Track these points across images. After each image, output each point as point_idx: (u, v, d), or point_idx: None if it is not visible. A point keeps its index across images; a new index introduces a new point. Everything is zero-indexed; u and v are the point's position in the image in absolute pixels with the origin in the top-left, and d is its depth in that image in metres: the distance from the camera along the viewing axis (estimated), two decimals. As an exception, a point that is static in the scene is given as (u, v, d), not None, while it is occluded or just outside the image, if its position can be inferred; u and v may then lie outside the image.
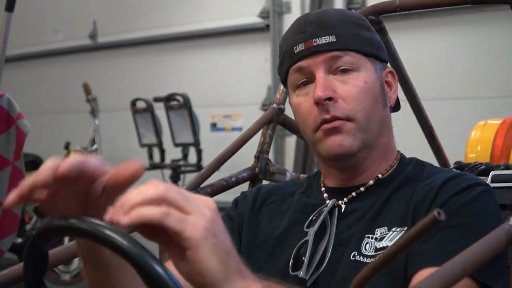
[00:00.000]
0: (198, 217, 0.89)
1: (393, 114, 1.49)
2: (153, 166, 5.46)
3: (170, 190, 0.90)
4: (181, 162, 5.32)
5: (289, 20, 5.40)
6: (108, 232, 0.86)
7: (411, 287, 1.13)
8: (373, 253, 1.30)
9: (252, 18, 5.55)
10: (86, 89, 5.67)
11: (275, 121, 1.96)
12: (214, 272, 0.88)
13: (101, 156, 5.67)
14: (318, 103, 1.36)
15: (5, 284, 1.41)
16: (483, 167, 1.81)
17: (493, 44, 4.46)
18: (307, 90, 1.40)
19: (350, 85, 1.37)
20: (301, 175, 1.96)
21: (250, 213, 1.49)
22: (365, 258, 1.31)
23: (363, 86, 1.38)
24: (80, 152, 5.58)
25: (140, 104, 5.51)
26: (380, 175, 1.43)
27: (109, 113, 6.20)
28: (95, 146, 5.60)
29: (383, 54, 1.46)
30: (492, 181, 1.59)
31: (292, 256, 1.37)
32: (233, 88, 5.73)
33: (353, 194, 1.42)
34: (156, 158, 5.55)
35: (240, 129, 5.59)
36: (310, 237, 1.36)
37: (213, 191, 1.81)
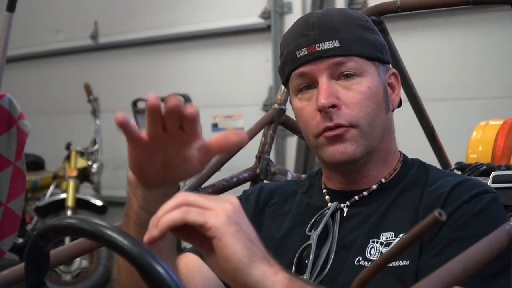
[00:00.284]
0: (219, 209, 0.93)
1: (394, 115, 1.48)
2: (154, 167, 5.46)
3: (188, 195, 0.95)
4: (182, 163, 5.32)
5: (290, 21, 5.39)
6: (109, 232, 0.86)
7: None
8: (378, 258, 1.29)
9: (253, 18, 5.55)
10: (87, 90, 5.68)
11: (276, 121, 1.96)
12: (239, 256, 0.92)
13: (102, 156, 5.68)
14: (321, 110, 1.35)
15: (6, 285, 1.41)
16: (484, 167, 1.81)
17: (494, 45, 4.46)
18: (309, 95, 1.39)
19: (354, 91, 1.36)
20: (302, 176, 1.96)
21: (253, 214, 1.47)
22: (370, 263, 1.29)
23: (367, 92, 1.36)
24: (81, 153, 5.58)
25: (141, 105, 5.52)
26: (383, 180, 1.41)
27: (110, 113, 6.20)
28: (96, 147, 5.60)
29: (386, 56, 1.43)
30: (493, 182, 1.59)
31: (294, 259, 1.37)
32: (234, 89, 5.73)
33: (356, 198, 1.41)
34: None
35: (241, 129, 5.58)
36: (313, 241, 1.36)
37: (214, 191, 1.81)
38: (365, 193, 1.41)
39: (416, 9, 1.99)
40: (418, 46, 4.61)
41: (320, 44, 1.36)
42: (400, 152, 1.48)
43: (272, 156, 1.97)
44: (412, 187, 1.38)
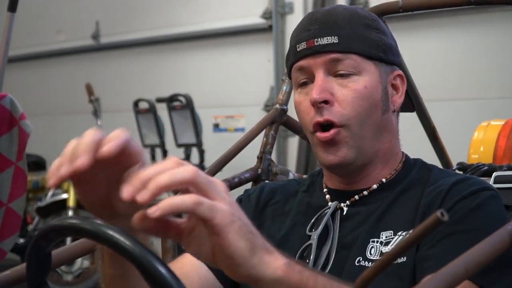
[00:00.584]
0: (223, 202, 0.91)
1: (396, 115, 1.48)
2: (156, 167, 5.46)
3: (198, 174, 0.90)
4: (184, 163, 5.32)
5: (291, 21, 5.40)
6: (111, 232, 0.86)
7: None
8: (378, 258, 1.29)
9: (255, 18, 5.55)
10: (89, 90, 5.68)
11: (278, 121, 1.96)
12: (242, 252, 0.91)
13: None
14: (314, 105, 1.36)
15: (8, 285, 1.41)
16: (486, 168, 1.81)
17: (496, 45, 4.46)
18: (307, 90, 1.39)
19: (348, 89, 1.35)
20: (304, 176, 1.95)
21: (254, 213, 1.47)
22: (370, 263, 1.29)
23: (362, 91, 1.36)
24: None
25: (143, 105, 5.52)
26: (384, 179, 1.41)
27: (112, 113, 6.20)
28: (97, 147, 5.60)
29: (391, 56, 1.42)
30: (495, 182, 1.58)
31: (295, 259, 1.37)
32: (236, 89, 5.73)
33: (356, 197, 1.40)
34: (159, 158, 5.55)
35: (242, 129, 5.58)
36: (314, 241, 1.35)
37: (216, 191, 1.80)
38: (365, 192, 1.40)
39: (418, 9, 1.98)
40: (420, 47, 4.61)
41: (319, 39, 1.37)
42: (403, 153, 1.47)
43: (273, 157, 1.97)
44: (413, 186, 1.38)
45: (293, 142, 5.32)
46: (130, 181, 0.88)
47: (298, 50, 1.39)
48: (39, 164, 6.11)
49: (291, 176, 1.94)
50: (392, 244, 1.30)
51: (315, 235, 1.36)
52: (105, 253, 1.08)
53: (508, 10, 4.25)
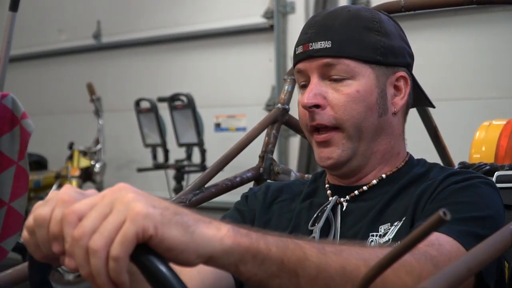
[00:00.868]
0: (127, 208, 0.82)
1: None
2: (157, 166, 5.47)
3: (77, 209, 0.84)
4: (185, 162, 5.32)
5: (293, 21, 5.40)
6: None
7: None
8: None
9: (256, 18, 5.55)
10: (90, 89, 5.68)
11: (279, 121, 1.96)
12: (179, 238, 0.83)
13: (105, 156, 5.68)
14: (305, 109, 1.39)
15: (10, 284, 1.41)
16: (487, 167, 1.81)
17: (497, 45, 4.46)
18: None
19: (341, 93, 1.38)
20: (306, 175, 1.96)
21: (261, 209, 1.50)
22: None
23: (354, 95, 1.37)
24: (84, 152, 5.58)
25: (144, 104, 5.52)
26: (384, 175, 1.43)
27: (113, 113, 6.21)
28: (99, 146, 5.61)
29: (392, 59, 1.42)
30: (496, 182, 1.59)
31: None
32: (237, 89, 5.73)
33: (356, 192, 1.42)
34: (160, 158, 5.55)
35: (244, 129, 5.58)
36: (316, 234, 1.37)
37: (218, 191, 1.81)
38: (365, 187, 1.43)
39: (420, 8, 1.98)
40: (422, 46, 4.61)
41: (313, 43, 1.39)
42: (407, 153, 1.48)
43: (275, 156, 1.97)
44: (414, 182, 1.40)
45: (295, 141, 5.32)
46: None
47: (296, 53, 1.43)
48: (40, 164, 6.11)
49: (292, 175, 1.95)
50: (388, 235, 1.31)
51: (317, 228, 1.38)
52: None
53: (510, 10, 4.25)
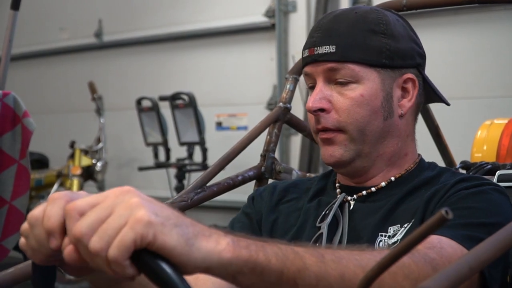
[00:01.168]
0: (131, 215, 0.83)
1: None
2: (159, 165, 5.47)
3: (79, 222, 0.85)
4: (187, 161, 5.32)
5: (294, 19, 5.40)
6: None
7: None
8: None
9: (257, 17, 5.55)
10: (92, 88, 5.68)
11: (281, 120, 1.96)
12: (179, 249, 0.83)
13: (107, 155, 5.68)
14: (310, 113, 1.41)
15: (11, 283, 1.41)
16: (489, 166, 1.81)
17: (498, 44, 4.45)
18: None
19: (345, 97, 1.39)
20: (307, 174, 1.96)
21: (268, 209, 1.51)
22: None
23: (358, 99, 1.38)
24: (85, 152, 5.57)
25: (146, 103, 5.51)
26: (393, 178, 1.43)
27: (115, 112, 6.21)
28: (100, 145, 5.61)
29: (398, 61, 1.41)
30: (498, 181, 1.59)
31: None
32: (239, 87, 5.73)
33: (364, 192, 1.43)
34: (162, 157, 5.55)
35: (245, 128, 5.59)
36: (324, 230, 1.38)
37: (219, 189, 1.81)
38: (373, 189, 1.43)
39: (421, 8, 1.98)
40: (424, 45, 4.60)
41: (318, 47, 1.40)
42: (419, 155, 1.48)
43: (276, 155, 1.97)
44: (424, 185, 1.40)
45: (296, 140, 5.32)
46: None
47: (303, 56, 1.44)
48: (42, 162, 6.11)
49: (294, 174, 1.95)
50: (397, 236, 1.31)
51: (325, 225, 1.39)
52: None
53: (510, 9, 4.24)
